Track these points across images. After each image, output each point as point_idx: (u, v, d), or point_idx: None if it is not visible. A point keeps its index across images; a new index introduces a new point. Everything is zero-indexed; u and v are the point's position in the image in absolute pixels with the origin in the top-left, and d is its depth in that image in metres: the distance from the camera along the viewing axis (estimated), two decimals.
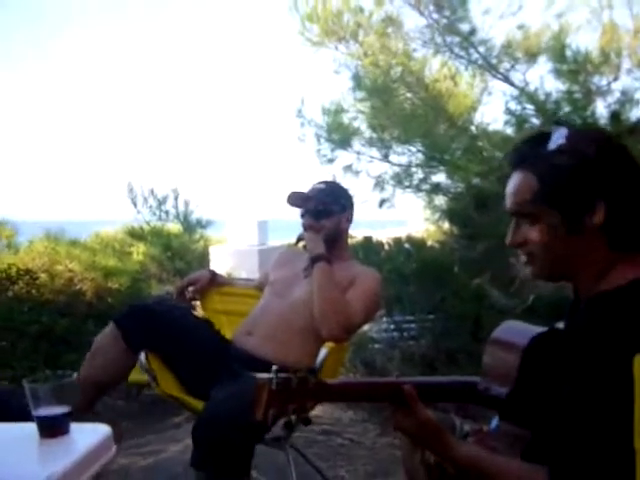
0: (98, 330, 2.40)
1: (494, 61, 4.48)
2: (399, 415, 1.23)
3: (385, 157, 5.00)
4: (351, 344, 3.24)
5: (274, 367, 1.18)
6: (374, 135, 5.02)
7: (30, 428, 1.46)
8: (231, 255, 6.28)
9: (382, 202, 4.97)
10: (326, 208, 2.47)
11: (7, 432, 1.52)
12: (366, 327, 3.66)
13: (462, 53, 4.55)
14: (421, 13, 4.53)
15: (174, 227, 6.15)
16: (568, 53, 4.10)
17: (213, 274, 2.76)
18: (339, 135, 5.02)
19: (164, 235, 5.86)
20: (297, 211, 2.55)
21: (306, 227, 2.49)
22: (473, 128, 4.80)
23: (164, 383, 2.32)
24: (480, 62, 4.54)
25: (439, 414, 1.37)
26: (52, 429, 1.45)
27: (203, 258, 6.04)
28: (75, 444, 1.46)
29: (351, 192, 2.64)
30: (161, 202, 5.96)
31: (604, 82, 4.11)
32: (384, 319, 4.05)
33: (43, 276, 4.38)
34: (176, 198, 6.02)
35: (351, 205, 2.58)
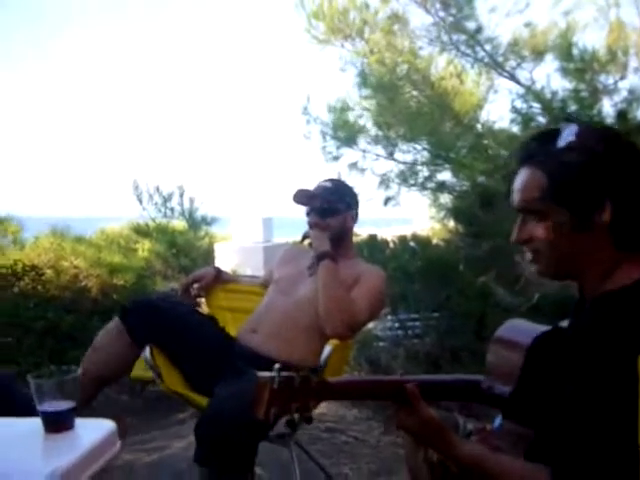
0: (103, 327, 2.41)
1: (500, 59, 4.47)
2: (402, 413, 1.23)
3: (390, 155, 5.00)
4: (356, 342, 3.24)
5: (276, 366, 1.17)
6: (380, 133, 5.01)
7: (35, 423, 1.46)
8: (236, 252, 6.28)
9: (387, 200, 4.97)
10: (332, 206, 2.47)
11: (12, 427, 1.53)
12: (371, 325, 3.66)
13: (468, 51, 4.54)
14: (427, 11, 4.52)
15: (179, 224, 6.16)
16: (575, 51, 4.08)
17: (218, 271, 2.77)
18: (345, 133, 5.02)
19: (169, 232, 5.88)
20: (302, 208, 2.55)
21: (312, 225, 2.49)
22: (479, 126, 4.79)
23: (169, 379, 2.33)
24: (486, 60, 4.53)
25: (442, 412, 1.37)
26: (57, 424, 1.46)
27: (208, 255, 6.05)
28: (80, 439, 1.46)
29: (356, 190, 2.63)
30: (166, 199, 5.98)
31: (611, 81, 4.10)
32: (389, 317, 4.04)
33: (49, 272, 4.40)
34: (181, 195, 6.04)
35: (356, 203, 2.57)
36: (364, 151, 5.05)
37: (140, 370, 2.41)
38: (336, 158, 5.07)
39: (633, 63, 4.07)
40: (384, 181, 4.97)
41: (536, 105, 4.17)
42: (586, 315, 1.15)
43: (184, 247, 5.75)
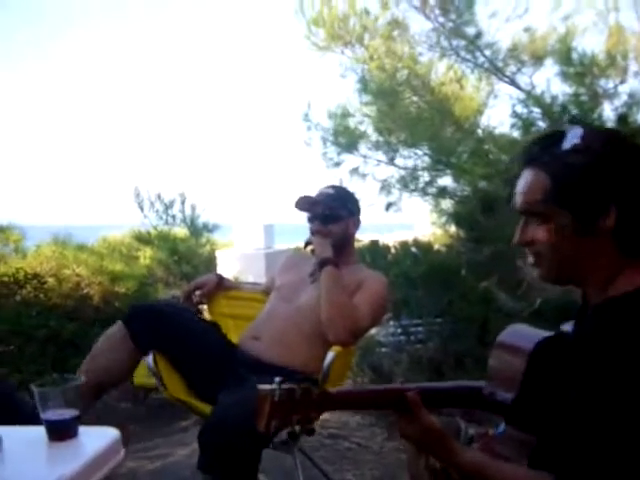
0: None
1: (500, 64, 4.49)
2: (403, 422, 1.23)
3: (391, 160, 5.01)
4: (358, 348, 3.24)
5: (277, 378, 1.16)
6: (380, 138, 5.03)
7: (39, 431, 1.46)
8: (238, 259, 6.28)
9: (389, 206, 4.98)
10: (334, 213, 2.47)
11: (16, 435, 1.52)
12: (373, 331, 3.66)
13: (468, 56, 4.56)
14: (427, 17, 4.54)
15: (181, 231, 6.17)
16: (574, 56, 4.10)
17: (220, 278, 2.77)
18: (345, 139, 5.03)
19: (171, 239, 5.88)
20: (303, 214, 2.55)
21: (314, 232, 2.49)
22: (479, 131, 4.80)
23: (172, 387, 2.32)
24: (486, 65, 4.55)
25: (444, 418, 1.37)
26: (60, 432, 1.46)
27: (210, 262, 6.05)
28: (83, 447, 1.46)
29: (358, 196, 2.64)
30: (168, 206, 5.99)
31: (611, 85, 4.11)
32: (391, 323, 4.04)
33: (51, 280, 4.40)
34: (183, 202, 6.05)
35: (358, 209, 2.58)
36: (365, 157, 5.07)
37: (143, 377, 2.41)
38: (337, 164, 5.08)
39: (633, 67, 4.08)
40: (385, 187, 4.98)
41: (536, 110, 4.18)
42: (589, 321, 1.14)
43: (186, 254, 5.75)
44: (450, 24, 4.49)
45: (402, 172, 5.00)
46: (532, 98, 4.24)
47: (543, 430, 1.16)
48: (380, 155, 5.04)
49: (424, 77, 4.78)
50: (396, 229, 7.47)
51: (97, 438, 1.49)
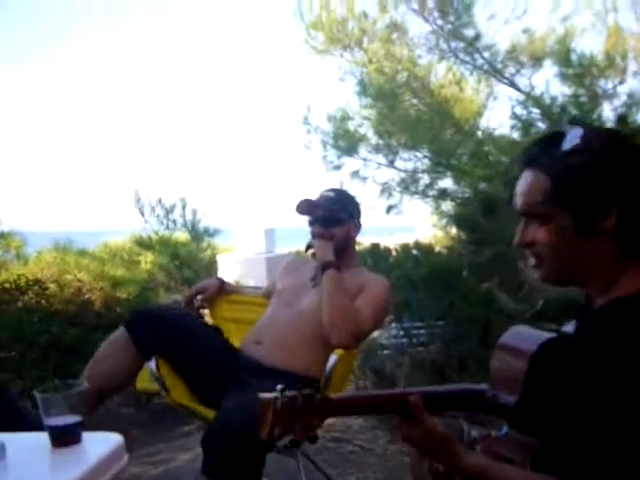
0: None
1: (499, 66, 4.50)
2: (405, 426, 1.23)
3: (391, 163, 5.01)
4: (360, 351, 3.24)
5: (278, 386, 1.15)
6: (380, 141, 5.03)
7: (42, 438, 1.46)
8: (239, 263, 6.28)
9: (389, 208, 4.98)
10: (335, 216, 2.47)
11: (19, 442, 1.52)
12: (375, 334, 3.65)
13: (467, 58, 4.56)
14: (426, 19, 4.55)
15: (182, 236, 6.16)
16: (573, 57, 4.11)
17: (221, 282, 2.77)
18: (345, 142, 5.04)
19: (172, 244, 5.87)
20: (304, 218, 2.55)
21: (315, 235, 2.48)
22: (479, 133, 4.81)
23: (174, 392, 2.32)
24: (485, 67, 4.56)
25: (447, 420, 1.37)
26: (64, 438, 1.46)
27: (211, 266, 6.04)
28: (87, 453, 1.46)
29: (358, 199, 2.64)
30: (168, 211, 5.98)
31: (610, 85, 4.12)
32: (393, 325, 4.04)
33: (52, 286, 4.40)
34: (183, 207, 6.04)
35: (359, 212, 2.58)
36: (365, 160, 5.07)
37: (145, 382, 2.40)
38: (337, 167, 5.09)
39: (632, 67, 4.09)
40: (386, 189, 4.98)
41: (536, 111, 4.18)
42: (592, 323, 1.13)
43: (187, 259, 5.74)
44: (449, 26, 4.50)
45: (402, 175, 5.01)
46: (531, 99, 4.24)
47: (546, 433, 1.16)
48: (380, 158, 5.05)
49: (423, 79, 4.78)
50: (397, 232, 7.47)
51: (101, 444, 1.49)
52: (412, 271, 3.95)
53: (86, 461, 1.40)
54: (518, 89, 4.46)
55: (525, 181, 1.17)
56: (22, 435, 1.59)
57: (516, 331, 1.37)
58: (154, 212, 5.93)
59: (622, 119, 3.80)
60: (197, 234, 6.06)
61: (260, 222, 7.09)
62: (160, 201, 5.96)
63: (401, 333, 4.05)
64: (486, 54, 4.47)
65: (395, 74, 4.81)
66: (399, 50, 4.77)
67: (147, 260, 5.90)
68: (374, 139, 5.08)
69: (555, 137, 1.15)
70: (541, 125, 4.13)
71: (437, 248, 4.94)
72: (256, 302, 2.77)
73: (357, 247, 2.74)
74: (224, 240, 7.09)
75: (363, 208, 2.63)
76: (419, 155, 4.91)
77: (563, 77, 4.17)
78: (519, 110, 4.24)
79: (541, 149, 1.16)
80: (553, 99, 4.15)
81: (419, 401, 1.21)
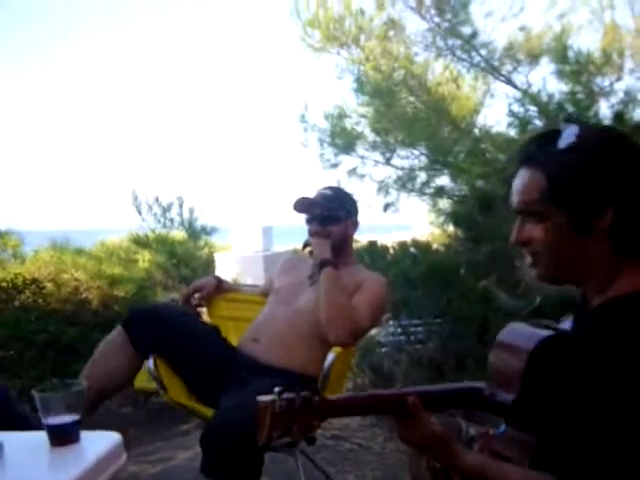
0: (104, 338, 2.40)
1: (496, 63, 4.50)
2: (403, 426, 1.23)
3: (388, 161, 5.01)
4: (358, 349, 3.24)
5: (276, 389, 1.15)
6: (377, 139, 5.03)
7: (40, 437, 1.46)
8: (236, 261, 6.29)
9: (387, 206, 4.98)
10: (332, 214, 2.47)
11: (17, 441, 1.52)
12: (373, 331, 3.66)
13: (464, 56, 4.56)
14: (423, 17, 4.54)
15: (179, 234, 6.15)
16: (570, 54, 4.11)
17: (219, 281, 2.77)
18: (342, 140, 5.03)
19: (169, 242, 5.86)
20: (301, 216, 2.55)
21: (313, 233, 2.49)
22: (476, 131, 4.81)
23: (172, 391, 2.32)
24: (482, 65, 4.56)
25: (445, 418, 1.37)
26: (62, 437, 1.46)
27: (208, 265, 6.04)
28: (86, 452, 1.46)
29: (355, 197, 2.64)
30: (166, 210, 5.97)
31: (607, 82, 4.12)
32: (391, 323, 4.04)
33: (49, 285, 4.39)
34: (181, 205, 6.03)
35: (356, 210, 2.58)
36: (362, 158, 5.07)
37: (143, 381, 2.40)
38: (334, 165, 5.09)
39: (628, 65, 4.09)
40: (383, 187, 4.98)
41: (533, 108, 4.19)
42: (590, 322, 1.13)
43: (184, 257, 5.74)
44: (446, 24, 4.50)
45: (399, 172, 5.01)
46: (528, 97, 4.25)
47: (544, 431, 1.16)
48: (377, 156, 5.04)
49: (420, 77, 4.78)
50: (394, 230, 7.47)
51: (99, 443, 1.49)
52: (409, 269, 3.95)
53: (85, 460, 1.40)
54: (515, 86, 4.47)
55: (521, 179, 1.17)
56: (20, 434, 1.59)
57: (513, 328, 1.38)
58: (151, 210, 5.91)
59: (619, 116, 3.80)
60: (194, 232, 6.05)
61: (257, 220, 7.10)
62: (157, 199, 5.95)
63: (399, 331, 4.06)
64: (483, 52, 4.47)
65: (392, 72, 4.81)
66: (396, 48, 4.77)
67: (144, 259, 5.90)
68: (371, 137, 5.08)
69: (551, 135, 1.15)
70: (538, 122, 4.14)
71: (434, 246, 4.94)
72: (254, 300, 2.77)
73: (354, 245, 2.74)
74: (221, 238, 7.08)
75: (360, 206, 2.63)
76: (416, 153, 4.91)
77: (560, 74, 4.17)
78: (516, 107, 4.24)
79: (537, 147, 1.16)
80: (550, 96, 4.15)
81: (417, 401, 1.21)
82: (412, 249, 4.41)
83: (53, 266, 4.62)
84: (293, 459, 2.26)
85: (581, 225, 1.10)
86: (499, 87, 4.72)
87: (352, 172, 5.04)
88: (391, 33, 4.74)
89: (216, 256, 6.33)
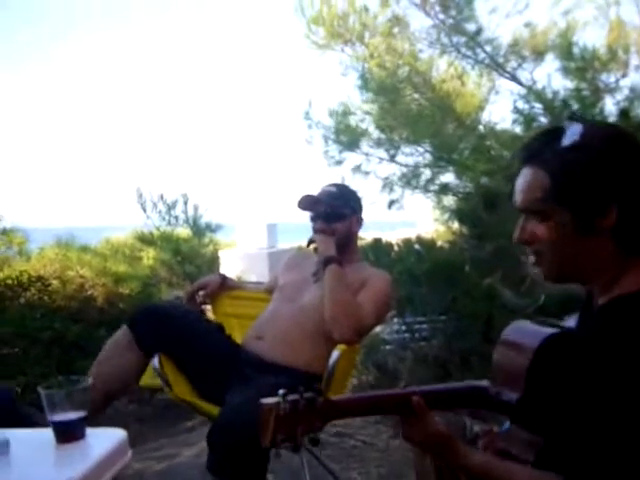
0: (110, 336, 2.40)
1: (501, 60, 4.48)
2: (407, 426, 1.22)
3: (393, 158, 5.00)
4: (363, 346, 3.24)
5: (280, 391, 1.14)
6: (382, 136, 5.02)
7: (46, 434, 1.47)
8: (241, 259, 6.30)
9: (391, 203, 4.97)
10: (337, 211, 2.47)
11: (23, 438, 1.53)
12: (378, 329, 3.66)
13: (469, 53, 4.55)
14: (427, 13, 4.53)
15: (183, 232, 6.16)
16: (575, 50, 4.09)
17: (223, 278, 2.77)
18: (347, 137, 5.03)
19: (174, 240, 5.88)
20: (306, 213, 2.55)
21: (317, 230, 2.48)
22: (481, 127, 4.80)
23: (177, 388, 2.33)
24: (487, 61, 4.54)
25: (450, 415, 1.37)
26: (68, 434, 1.46)
27: (213, 262, 6.05)
28: (91, 449, 1.47)
29: (360, 194, 2.63)
30: (170, 207, 5.98)
31: (612, 79, 4.11)
32: (395, 320, 4.04)
33: (55, 282, 4.41)
34: (185, 203, 6.04)
35: (361, 208, 2.57)
36: (367, 155, 5.06)
37: (149, 378, 2.41)
38: (339, 162, 5.08)
39: (634, 61, 4.08)
40: (387, 184, 4.97)
41: (538, 105, 4.17)
42: (595, 321, 1.13)
43: (189, 255, 5.75)
44: (450, 20, 4.49)
45: (404, 169, 5.00)
46: (533, 93, 4.23)
47: (549, 430, 1.15)
48: (382, 153, 5.03)
49: (425, 74, 4.77)
50: (399, 227, 7.47)
51: (104, 439, 1.50)
52: (414, 266, 3.94)
53: (90, 457, 1.41)
54: (520, 83, 4.45)
55: (524, 178, 1.16)
56: (26, 431, 1.60)
57: (518, 326, 1.37)
58: (156, 208, 5.93)
59: (624, 113, 3.79)
60: (199, 230, 6.06)
61: (262, 217, 7.11)
62: (162, 197, 5.96)
63: (403, 328, 4.05)
64: (488, 48, 4.46)
65: (396, 69, 4.80)
66: (400, 44, 4.76)
67: (149, 256, 5.91)
68: (375, 134, 5.07)
69: (554, 133, 1.14)
70: (543, 119, 4.12)
71: (439, 243, 4.94)
72: (258, 298, 2.77)
73: (359, 242, 2.73)
74: (226, 236, 7.09)
75: (365, 203, 2.63)
76: (421, 150, 4.90)
77: (565, 71, 4.15)
78: (521, 104, 4.23)
79: (540, 146, 1.15)
80: (555, 93, 4.13)
81: (421, 401, 1.21)
82: (417, 246, 4.41)
83: (58, 263, 4.64)
84: (298, 456, 2.26)
85: (584, 224, 1.09)
86: (504, 84, 4.71)
87: (357, 169, 5.03)
88: (395, 30, 4.73)
89: (221, 253, 6.35)
